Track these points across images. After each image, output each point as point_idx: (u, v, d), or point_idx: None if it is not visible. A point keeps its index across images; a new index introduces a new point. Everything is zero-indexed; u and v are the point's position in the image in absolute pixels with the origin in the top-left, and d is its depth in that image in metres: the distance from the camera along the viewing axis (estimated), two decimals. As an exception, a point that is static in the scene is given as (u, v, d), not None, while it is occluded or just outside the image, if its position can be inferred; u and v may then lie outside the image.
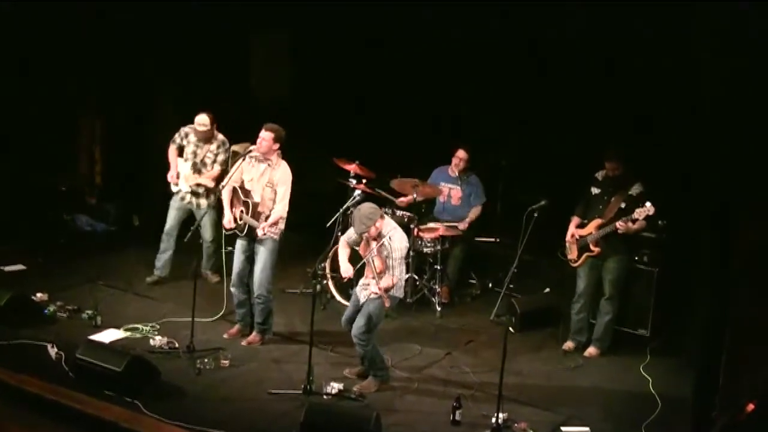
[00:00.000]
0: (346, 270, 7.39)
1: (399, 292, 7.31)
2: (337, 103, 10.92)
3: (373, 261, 7.15)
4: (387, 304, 7.14)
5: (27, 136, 10.02)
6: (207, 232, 9.14)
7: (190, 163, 9.01)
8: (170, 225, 9.16)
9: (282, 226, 7.92)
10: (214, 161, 9.02)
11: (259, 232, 7.73)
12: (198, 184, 8.99)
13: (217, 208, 7.92)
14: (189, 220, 9.01)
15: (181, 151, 9.07)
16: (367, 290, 7.29)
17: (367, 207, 7.15)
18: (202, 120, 8.92)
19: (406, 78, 10.52)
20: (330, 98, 10.95)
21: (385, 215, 7.29)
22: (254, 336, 8.13)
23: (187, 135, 9.07)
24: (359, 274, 7.53)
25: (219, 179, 8.81)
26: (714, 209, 6.83)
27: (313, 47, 11.11)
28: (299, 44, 11.34)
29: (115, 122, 8.85)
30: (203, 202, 9.05)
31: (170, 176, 9.07)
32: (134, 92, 10.70)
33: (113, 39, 10.45)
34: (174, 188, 9.10)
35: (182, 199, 9.10)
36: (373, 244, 7.16)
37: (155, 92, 10.99)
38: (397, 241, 7.12)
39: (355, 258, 7.63)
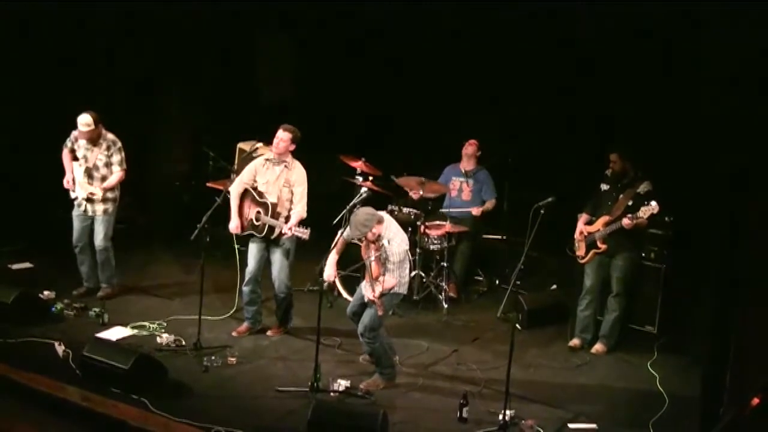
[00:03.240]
0: (329, 275, 7.40)
1: (402, 289, 7.31)
2: (342, 101, 10.92)
3: (370, 265, 7.16)
4: (380, 312, 7.12)
5: (34, 135, 10.03)
6: (98, 239, 8.57)
7: (83, 168, 8.48)
8: (75, 237, 8.64)
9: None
10: (107, 164, 8.45)
11: (287, 232, 7.73)
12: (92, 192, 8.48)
13: (225, 203, 7.90)
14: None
15: (75, 156, 8.57)
16: (370, 290, 7.28)
17: (364, 213, 7.09)
18: (85, 120, 8.28)
19: (412, 75, 10.53)
20: (335, 96, 10.96)
21: (387, 218, 7.23)
22: (277, 329, 8.23)
23: (77, 139, 8.50)
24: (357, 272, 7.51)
25: (118, 185, 8.48)
26: (721, 205, 6.82)
27: (319, 45, 11.12)
28: (304, 43, 11.35)
29: (119, 122, 8.84)
30: (99, 208, 8.52)
31: (66, 181, 8.57)
32: (139, 92, 10.71)
33: (117, 39, 10.46)
34: (72, 195, 8.61)
35: (79, 206, 8.57)
36: (373, 248, 7.16)
37: (160, 92, 11.00)
38: (395, 245, 7.10)
39: (355, 256, 7.62)
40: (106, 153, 8.46)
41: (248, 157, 8.51)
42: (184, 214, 9.95)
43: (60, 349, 7.54)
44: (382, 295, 7.10)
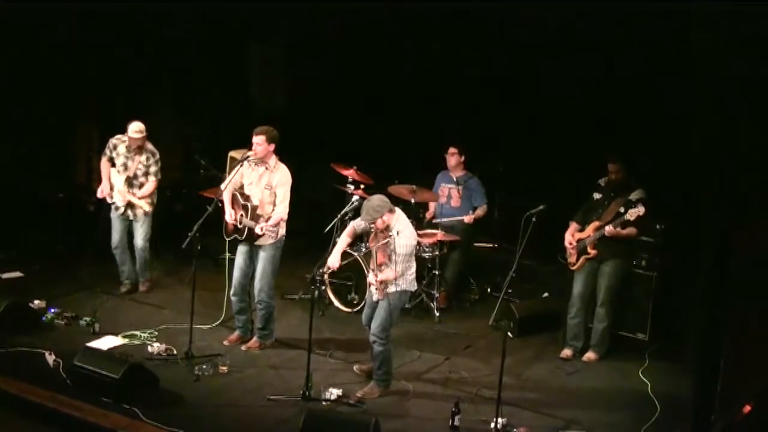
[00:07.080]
0: (333, 261, 7.37)
1: (411, 286, 7.33)
2: (334, 110, 10.93)
3: (375, 253, 7.16)
4: (380, 296, 7.15)
5: (25, 143, 10.02)
6: (139, 240, 9.03)
7: (123, 177, 8.84)
8: (116, 238, 9.02)
9: (282, 231, 7.91)
10: (146, 173, 8.88)
11: (258, 230, 7.71)
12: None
13: (216, 212, 7.91)
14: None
15: (113, 163, 8.91)
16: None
17: (377, 199, 7.14)
18: (138, 128, 8.72)
19: (404, 83, 10.54)
20: (327, 105, 10.96)
21: (398, 211, 7.24)
22: (254, 341, 8.14)
23: (115, 147, 8.86)
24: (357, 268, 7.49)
25: (152, 194, 8.89)
26: (712, 212, 6.83)
27: (311, 54, 11.13)
28: (296, 52, 11.36)
29: (112, 130, 8.85)
30: (139, 212, 8.95)
31: (100, 190, 8.92)
32: (132, 100, 10.70)
33: (111, 47, 10.45)
34: (108, 200, 8.94)
35: (117, 209, 8.94)
36: (381, 237, 7.16)
37: (153, 100, 11.00)
38: (403, 238, 7.11)
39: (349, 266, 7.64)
40: (145, 163, 8.84)
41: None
42: (176, 223, 9.92)
43: (51, 358, 7.52)
44: (383, 282, 7.12)
